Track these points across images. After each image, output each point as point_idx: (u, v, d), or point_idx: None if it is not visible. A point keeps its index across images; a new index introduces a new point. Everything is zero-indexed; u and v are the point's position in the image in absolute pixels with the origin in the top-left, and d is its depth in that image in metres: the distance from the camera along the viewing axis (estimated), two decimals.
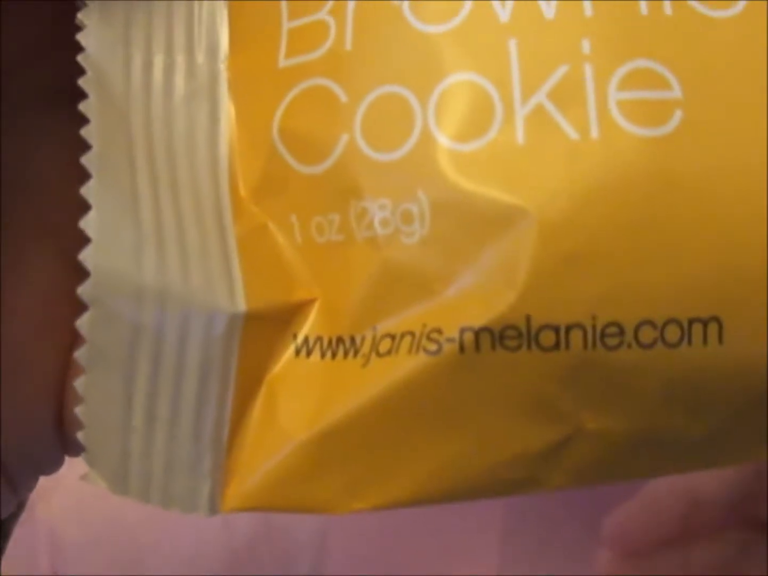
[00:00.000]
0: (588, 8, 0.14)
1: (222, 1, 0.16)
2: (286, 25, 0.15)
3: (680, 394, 0.14)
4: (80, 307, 0.14)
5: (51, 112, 0.16)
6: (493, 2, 0.14)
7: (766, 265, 0.13)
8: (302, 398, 0.15)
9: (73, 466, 0.16)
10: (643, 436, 0.14)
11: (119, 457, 0.15)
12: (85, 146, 0.15)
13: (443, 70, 0.14)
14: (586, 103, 0.13)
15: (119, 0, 0.15)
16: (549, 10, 0.14)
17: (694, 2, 0.14)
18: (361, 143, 0.14)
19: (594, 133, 0.13)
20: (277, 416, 0.15)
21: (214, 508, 0.15)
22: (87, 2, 0.15)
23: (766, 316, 0.13)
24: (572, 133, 0.13)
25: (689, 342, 0.13)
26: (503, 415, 0.14)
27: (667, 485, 0.25)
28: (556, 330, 0.13)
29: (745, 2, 0.14)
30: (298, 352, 0.15)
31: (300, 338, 0.15)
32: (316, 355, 0.15)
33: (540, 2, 0.14)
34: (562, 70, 0.13)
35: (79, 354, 0.14)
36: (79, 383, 0.15)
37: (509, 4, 0.14)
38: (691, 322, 0.13)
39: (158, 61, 0.15)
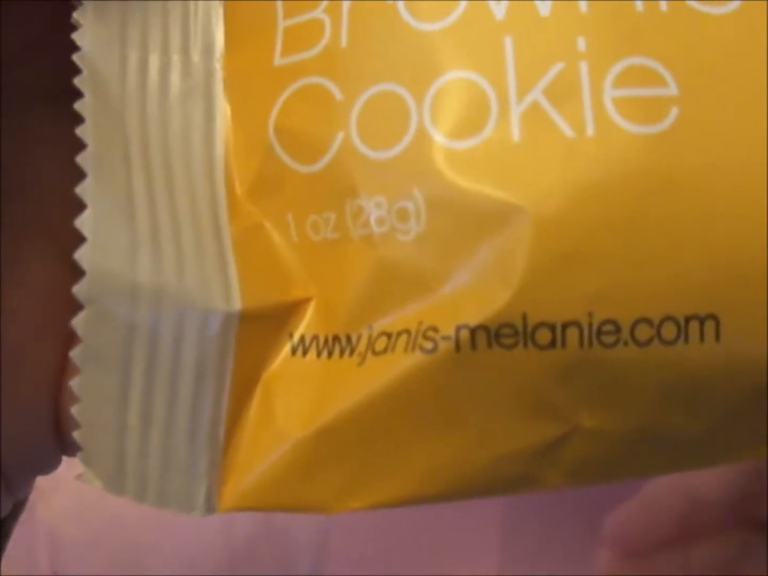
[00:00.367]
0: (583, 5, 0.14)
1: (217, 0, 0.16)
2: (282, 24, 0.15)
3: (677, 392, 0.14)
4: (77, 307, 0.14)
5: (48, 111, 0.16)
6: (489, 0, 0.14)
7: (763, 263, 0.13)
8: (299, 397, 0.15)
9: (73, 466, 0.16)
10: (640, 434, 0.14)
11: (115, 456, 0.15)
12: (81, 145, 0.15)
13: (438, 67, 0.14)
14: (581, 101, 0.13)
15: (115, 0, 0.15)
16: (544, 8, 0.14)
17: None
18: (357, 141, 0.14)
19: (589, 130, 0.13)
20: (273, 415, 0.15)
21: (210, 508, 0.15)
22: (83, 2, 0.15)
23: (763, 313, 0.13)
24: (568, 131, 0.13)
25: (686, 340, 0.13)
26: (499, 414, 0.14)
27: (667, 485, 0.25)
28: (552, 328, 0.13)
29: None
30: (294, 350, 0.15)
31: (296, 337, 0.15)
32: (312, 353, 0.15)
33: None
34: (557, 68, 0.13)
35: (75, 353, 0.14)
36: (75, 382, 0.15)
37: (504, 2, 0.14)
38: (687, 319, 0.13)
39: (154, 60, 0.15)
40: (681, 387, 0.14)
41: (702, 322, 0.13)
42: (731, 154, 0.13)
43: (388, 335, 0.14)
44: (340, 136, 0.14)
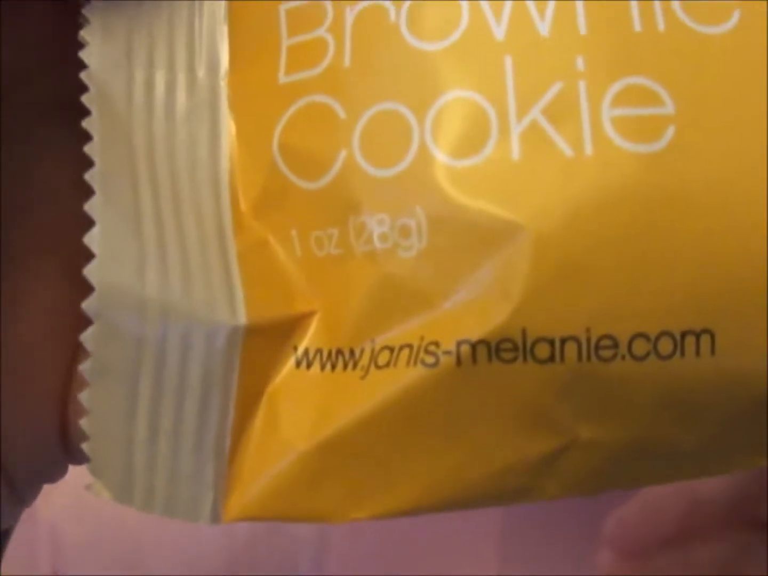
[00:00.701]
0: (582, 26, 0.14)
1: (222, 18, 0.16)
2: (286, 42, 0.15)
3: (673, 405, 0.14)
4: (84, 321, 0.15)
5: (56, 129, 0.16)
6: (489, 19, 0.14)
7: (756, 279, 0.13)
8: (303, 409, 0.15)
9: (76, 468, 0.16)
10: (637, 446, 0.14)
11: (123, 468, 0.15)
12: (88, 162, 0.15)
13: (440, 87, 0.14)
14: (580, 120, 0.14)
15: (121, 18, 0.15)
16: (544, 28, 0.14)
17: (687, 19, 0.14)
18: (360, 159, 0.14)
19: (588, 149, 0.13)
20: (278, 427, 0.15)
21: (216, 518, 0.15)
22: (90, 20, 0.15)
23: (758, 327, 0.14)
24: (567, 150, 0.14)
25: (682, 354, 0.14)
26: (500, 426, 0.14)
27: (667, 486, 0.25)
28: (551, 342, 0.13)
29: (737, 19, 0.14)
30: (298, 364, 0.15)
31: (300, 350, 0.15)
32: (316, 367, 0.15)
33: (535, 19, 0.14)
34: (556, 87, 0.14)
35: (84, 367, 0.15)
36: (84, 396, 0.15)
37: (504, 22, 0.14)
38: (683, 334, 0.14)
39: (160, 78, 0.16)
40: (677, 400, 0.14)
41: (698, 336, 0.14)
42: (727, 173, 0.13)
43: (391, 349, 0.14)
44: (343, 153, 0.14)
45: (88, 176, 0.15)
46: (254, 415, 0.15)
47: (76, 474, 0.16)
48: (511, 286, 0.13)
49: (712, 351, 0.14)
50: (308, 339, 0.15)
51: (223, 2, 0.16)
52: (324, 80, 0.15)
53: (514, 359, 0.14)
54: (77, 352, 0.16)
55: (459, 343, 0.14)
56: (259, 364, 0.15)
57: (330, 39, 0.15)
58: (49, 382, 0.16)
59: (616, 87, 0.14)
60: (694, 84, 0.14)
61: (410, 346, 0.14)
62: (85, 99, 0.15)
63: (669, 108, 0.14)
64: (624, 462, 0.14)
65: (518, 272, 0.13)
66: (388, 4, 0.14)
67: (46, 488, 0.17)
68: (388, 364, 0.14)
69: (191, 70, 0.16)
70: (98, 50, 0.15)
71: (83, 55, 0.15)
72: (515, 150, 0.14)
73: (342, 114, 0.14)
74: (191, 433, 0.15)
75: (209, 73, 0.16)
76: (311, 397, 0.15)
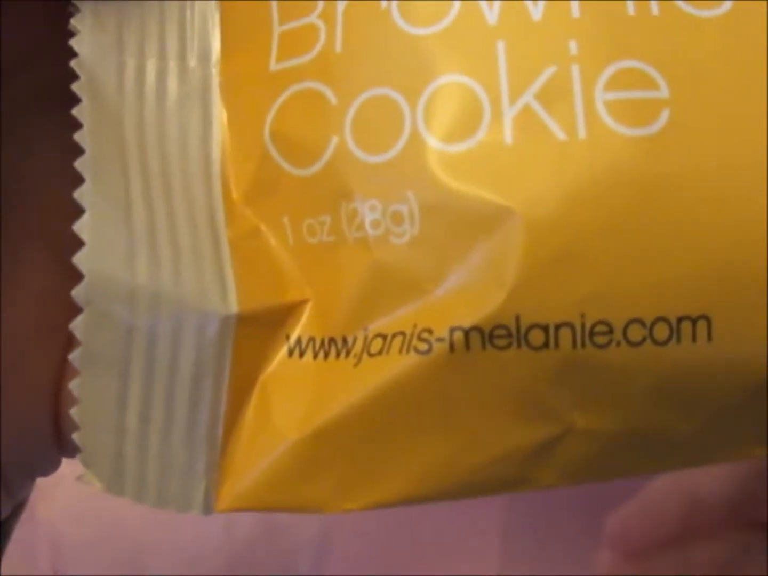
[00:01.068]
0: (575, 9, 0.14)
1: (214, 6, 0.16)
2: (277, 29, 0.15)
3: (670, 392, 0.14)
4: (75, 310, 0.14)
5: (47, 116, 0.16)
6: (481, 4, 0.14)
7: (755, 264, 0.13)
8: (295, 398, 0.15)
9: (74, 466, 0.16)
10: (633, 433, 0.14)
11: (114, 457, 0.15)
12: (79, 150, 0.15)
13: (432, 72, 0.14)
14: (573, 104, 0.13)
15: (112, 6, 0.15)
16: (536, 12, 0.14)
17: (681, 2, 0.14)
18: (351, 145, 0.14)
19: (581, 133, 0.13)
20: (270, 416, 0.15)
21: (208, 508, 0.15)
22: (80, 8, 0.15)
23: (755, 314, 0.13)
24: (560, 134, 0.13)
25: (678, 340, 0.13)
26: (494, 414, 0.14)
27: (667, 485, 0.25)
28: (545, 329, 0.13)
29: (732, 2, 0.14)
30: (291, 352, 0.15)
31: (293, 339, 0.15)
32: (308, 355, 0.15)
33: (527, 4, 0.14)
34: (549, 71, 0.14)
35: (74, 356, 0.15)
36: (74, 385, 0.15)
37: (497, 6, 0.14)
38: (680, 320, 0.13)
39: (151, 66, 0.15)
40: (673, 387, 0.14)
41: (694, 322, 0.13)
42: (722, 156, 0.13)
43: (384, 337, 0.14)
44: (335, 140, 0.14)
45: (78, 164, 0.15)
46: (246, 404, 0.15)
47: (75, 474, 0.16)
48: (505, 272, 0.13)
49: (709, 337, 0.13)
50: (301, 327, 0.15)
51: None
52: (315, 67, 0.15)
53: (508, 346, 0.13)
54: (70, 341, 0.15)
55: (452, 330, 0.14)
56: (252, 353, 0.15)
57: (321, 25, 0.15)
58: (41, 371, 0.16)
59: (609, 70, 0.14)
60: (688, 67, 0.14)
61: (403, 333, 0.14)
62: (75, 87, 0.15)
63: (663, 91, 0.13)
64: (620, 450, 0.14)
65: (511, 258, 0.13)
66: None
67: (46, 488, 0.17)
68: (380, 352, 0.14)
69: (182, 58, 0.16)
70: (89, 38, 0.15)
71: (74, 43, 0.15)
72: (508, 134, 0.13)
73: (333, 100, 0.14)
74: (182, 423, 0.15)
75: (201, 61, 0.16)
76: (304, 386, 0.15)
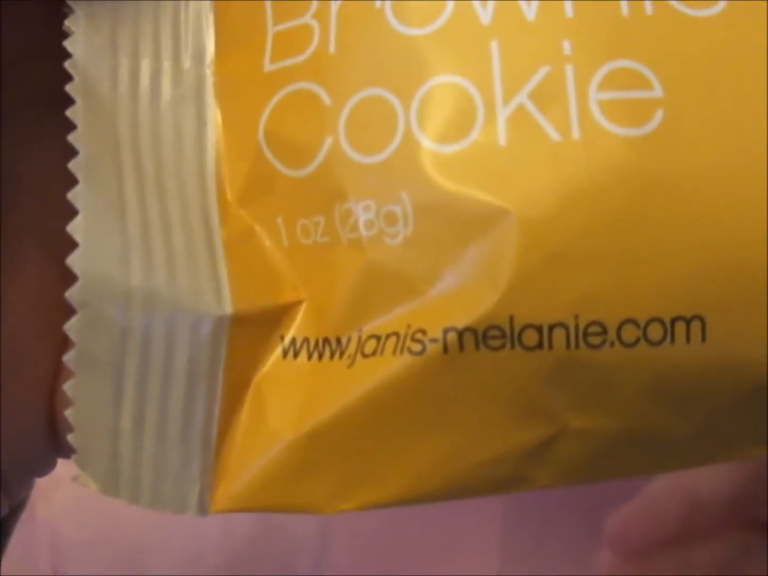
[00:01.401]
0: (569, 9, 0.14)
1: (208, 6, 0.16)
2: (272, 30, 0.15)
3: (664, 392, 0.14)
4: (70, 311, 0.14)
5: (44, 116, 0.16)
6: (475, 4, 0.14)
7: (750, 265, 0.13)
8: (290, 399, 0.15)
9: (73, 466, 0.16)
10: (628, 434, 0.14)
11: (109, 459, 0.15)
12: (73, 151, 0.15)
13: (425, 72, 0.14)
14: (567, 104, 0.13)
15: (106, 7, 0.15)
16: (530, 12, 0.14)
17: (675, 2, 0.14)
18: (345, 146, 0.14)
19: (575, 133, 0.13)
20: (265, 417, 0.15)
21: (203, 510, 0.15)
22: (74, 9, 0.15)
23: (750, 314, 0.13)
24: (553, 134, 0.13)
25: (672, 340, 0.13)
26: (488, 415, 0.14)
27: (667, 485, 0.25)
28: (539, 329, 0.13)
29: (726, 1, 0.14)
30: (285, 353, 0.15)
31: (287, 340, 0.15)
32: (303, 356, 0.15)
33: (521, 3, 0.14)
34: (543, 71, 0.14)
35: (68, 357, 0.15)
36: (69, 386, 0.15)
37: (490, 6, 0.14)
38: (673, 320, 0.13)
39: (145, 67, 0.15)
40: (668, 387, 0.14)
41: (688, 323, 0.13)
42: (716, 156, 0.13)
43: (377, 338, 0.14)
44: (329, 140, 0.14)
45: (72, 165, 0.15)
46: (241, 405, 0.15)
47: (73, 474, 0.16)
48: (499, 273, 0.13)
49: (703, 338, 0.13)
50: (295, 328, 0.15)
51: None
52: (309, 67, 0.15)
53: (502, 347, 0.13)
54: (66, 342, 0.15)
55: (446, 331, 0.13)
56: (246, 354, 0.15)
57: (315, 25, 0.15)
58: (37, 372, 0.16)
59: (603, 70, 0.13)
60: (682, 67, 0.14)
61: (397, 334, 0.14)
62: (69, 88, 0.15)
63: (657, 91, 0.13)
64: (616, 451, 0.14)
65: (505, 259, 0.13)
66: None
67: (46, 489, 0.17)
68: (374, 353, 0.14)
69: (177, 58, 0.16)
70: (83, 39, 0.15)
71: (68, 44, 0.15)
72: (501, 134, 0.13)
73: (327, 101, 0.14)
74: (177, 424, 0.15)
75: (195, 62, 0.16)
76: (298, 387, 0.15)
